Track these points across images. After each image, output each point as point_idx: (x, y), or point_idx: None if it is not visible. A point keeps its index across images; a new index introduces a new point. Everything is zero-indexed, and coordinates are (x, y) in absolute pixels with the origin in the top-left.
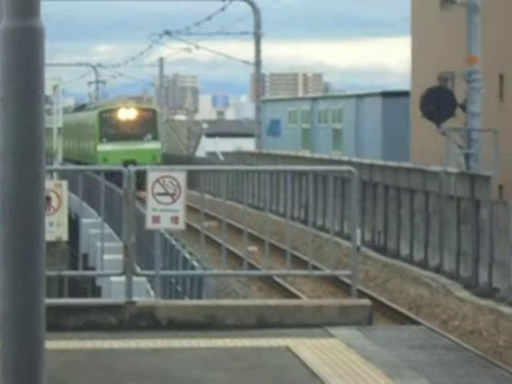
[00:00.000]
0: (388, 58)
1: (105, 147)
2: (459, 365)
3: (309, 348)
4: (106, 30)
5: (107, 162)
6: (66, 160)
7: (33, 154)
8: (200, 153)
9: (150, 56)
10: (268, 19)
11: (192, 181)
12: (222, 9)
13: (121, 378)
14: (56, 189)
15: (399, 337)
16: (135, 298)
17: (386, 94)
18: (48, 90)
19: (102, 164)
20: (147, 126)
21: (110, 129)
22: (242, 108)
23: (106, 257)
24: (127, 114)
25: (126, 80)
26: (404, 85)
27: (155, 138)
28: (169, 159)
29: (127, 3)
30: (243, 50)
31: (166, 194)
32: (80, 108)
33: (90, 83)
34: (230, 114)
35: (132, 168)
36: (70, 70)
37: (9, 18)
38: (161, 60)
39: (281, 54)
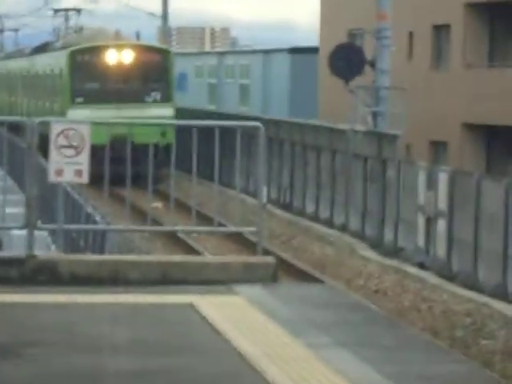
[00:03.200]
0: (295, 13)
1: (80, 113)
2: (364, 324)
3: (212, 305)
4: None
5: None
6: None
7: None
8: None
9: (55, 6)
10: None
11: None
12: None
13: (21, 332)
14: None
15: (303, 295)
16: (36, 252)
17: (293, 50)
18: None
19: None
20: (153, 78)
21: (88, 82)
22: None
23: (8, 210)
24: (120, 56)
25: (29, 31)
26: (311, 41)
27: (167, 98)
28: None
29: None
30: (148, 1)
31: (70, 146)
32: (40, 49)
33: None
34: None
35: (35, 119)
36: None
37: None
38: (66, 13)
39: (186, 6)
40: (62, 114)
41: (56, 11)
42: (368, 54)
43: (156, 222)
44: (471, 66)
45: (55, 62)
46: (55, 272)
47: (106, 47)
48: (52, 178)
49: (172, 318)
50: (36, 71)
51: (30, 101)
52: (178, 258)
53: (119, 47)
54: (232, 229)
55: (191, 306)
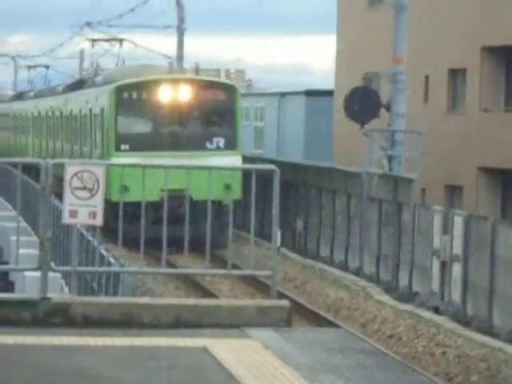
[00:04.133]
0: (311, 57)
1: (125, 162)
2: (378, 369)
3: (226, 348)
4: (23, 20)
5: (130, 196)
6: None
7: None
8: None
9: (70, 47)
10: (191, 13)
11: None
12: (145, 1)
13: (33, 374)
14: None
15: (317, 339)
16: (50, 294)
17: (309, 93)
18: None
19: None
20: (217, 120)
21: (137, 125)
22: None
23: (21, 251)
24: (176, 93)
25: (43, 71)
26: (327, 84)
27: (232, 145)
28: None
29: None
30: (163, 44)
31: (85, 188)
32: (75, 86)
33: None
34: None
35: (50, 161)
36: None
37: None
38: (81, 52)
39: (200, 49)
40: (103, 159)
41: (93, 41)
42: (384, 98)
43: (170, 265)
44: (487, 110)
45: (95, 100)
46: (68, 314)
47: (159, 82)
48: (66, 220)
49: (185, 362)
50: (71, 111)
51: (63, 146)
52: (192, 301)
53: (175, 82)
54: (246, 272)
55: (205, 349)
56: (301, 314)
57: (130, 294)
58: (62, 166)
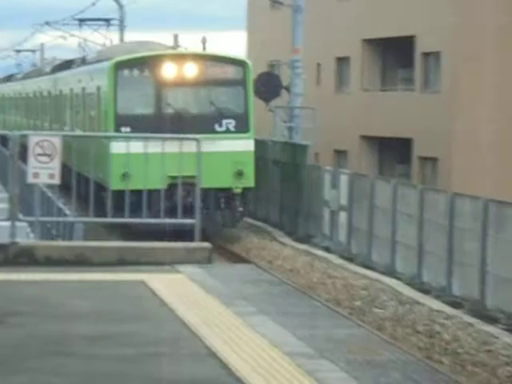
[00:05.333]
0: (227, 48)
1: (126, 146)
2: (281, 296)
3: (159, 281)
4: None
5: (131, 182)
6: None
7: None
8: None
9: (31, 43)
10: (131, 13)
11: None
12: (93, 4)
13: (5, 304)
14: None
15: (233, 273)
16: (18, 239)
17: None
18: None
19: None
20: (227, 100)
21: (139, 105)
22: None
23: None
24: (181, 70)
25: (9, 62)
26: None
27: (244, 127)
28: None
29: None
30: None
31: (45, 154)
32: (63, 67)
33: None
34: None
35: (17, 132)
36: None
37: None
38: (42, 45)
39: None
40: (102, 146)
41: (81, 21)
42: (284, 81)
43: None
44: (367, 90)
45: (90, 78)
46: (33, 256)
47: (163, 57)
48: (30, 179)
49: (126, 293)
50: (60, 91)
51: (51, 126)
52: (132, 243)
53: (181, 58)
54: (176, 221)
55: (142, 282)
56: (220, 254)
57: (82, 239)
58: (26, 136)
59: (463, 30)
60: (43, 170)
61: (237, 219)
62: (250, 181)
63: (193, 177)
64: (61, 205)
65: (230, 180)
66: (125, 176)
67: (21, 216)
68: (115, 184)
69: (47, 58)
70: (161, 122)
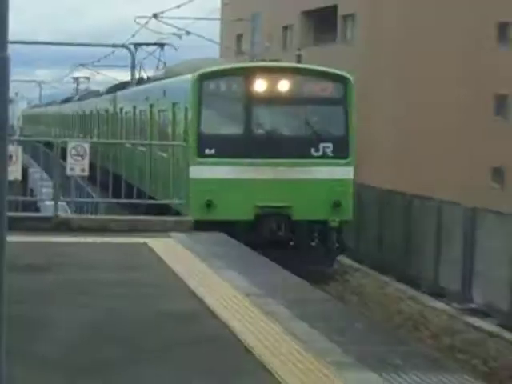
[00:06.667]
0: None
1: (209, 171)
2: (242, 256)
3: (157, 243)
4: (43, 61)
5: (214, 211)
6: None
7: (3, 137)
8: None
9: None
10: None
11: None
12: (113, 52)
13: (51, 257)
14: (14, 150)
15: (209, 239)
16: (59, 214)
17: None
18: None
19: (201, 210)
20: (326, 120)
21: (225, 124)
22: None
23: (44, 190)
24: (277, 84)
25: (55, 91)
26: None
27: (344, 151)
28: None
29: (54, 47)
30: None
31: (78, 155)
32: (120, 87)
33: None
34: None
35: (59, 140)
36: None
37: None
38: (77, 78)
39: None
40: (180, 170)
41: (137, 45)
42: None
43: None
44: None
45: (162, 94)
46: (69, 225)
47: (256, 70)
48: (68, 172)
49: (134, 250)
50: (120, 109)
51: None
52: (140, 217)
53: (275, 71)
54: (166, 201)
55: (145, 244)
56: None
57: (103, 214)
58: (65, 142)
59: None
60: (77, 166)
61: (333, 257)
62: (347, 213)
63: (285, 207)
64: (89, 190)
65: (326, 211)
66: (207, 205)
67: (61, 197)
68: (197, 214)
69: (80, 88)
70: (251, 145)
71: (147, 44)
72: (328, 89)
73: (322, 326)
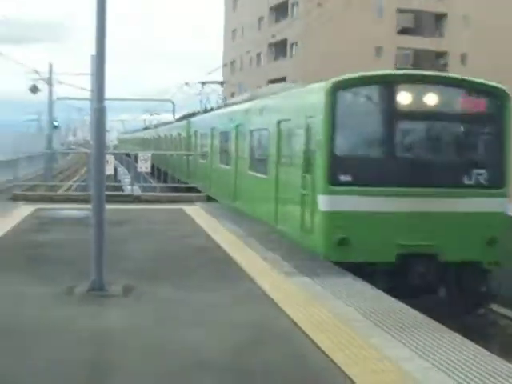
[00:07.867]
0: None
1: (342, 202)
2: (241, 217)
3: (189, 209)
4: (121, 108)
5: (352, 254)
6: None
7: (101, 149)
8: None
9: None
10: None
11: None
12: (161, 101)
13: (126, 217)
14: (109, 158)
15: (222, 206)
16: (134, 193)
17: None
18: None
19: (335, 250)
20: (480, 142)
21: (363, 145)
22: None
23: (126, 180)
24: (428, 98)
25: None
26: None
27: (499, 180)
28: None
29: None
30: None
31: (144, 160)
32: (193, 114)
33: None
34: None
35: (134, 152)
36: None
37: (95, 102)
38: (144, 120)
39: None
40: (304, 200)
41: (203, 84)
42: None
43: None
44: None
45: (258, 113)
46: (139, 199)
47: (403, 80)
48: (138, 169)
49: (175, 212)
50: (201, 133)
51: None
52: (176, 194)
53: (426, 82)
54: (190, 184)
55: (181, 209)
56: (210, 199)
57: (159, 192)
58: (137, 153)
59: None
60: (144, 165)
61: (481, 304)
62: (499, 251)
63: (433, 246)
64: (151, 179)
65: (480, 251)
66: (340, 243)
67: (135, 183)
68: (328, 253)
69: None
70: (394, 170)
71: (211, 82)
72: (482, 105)
73: None
